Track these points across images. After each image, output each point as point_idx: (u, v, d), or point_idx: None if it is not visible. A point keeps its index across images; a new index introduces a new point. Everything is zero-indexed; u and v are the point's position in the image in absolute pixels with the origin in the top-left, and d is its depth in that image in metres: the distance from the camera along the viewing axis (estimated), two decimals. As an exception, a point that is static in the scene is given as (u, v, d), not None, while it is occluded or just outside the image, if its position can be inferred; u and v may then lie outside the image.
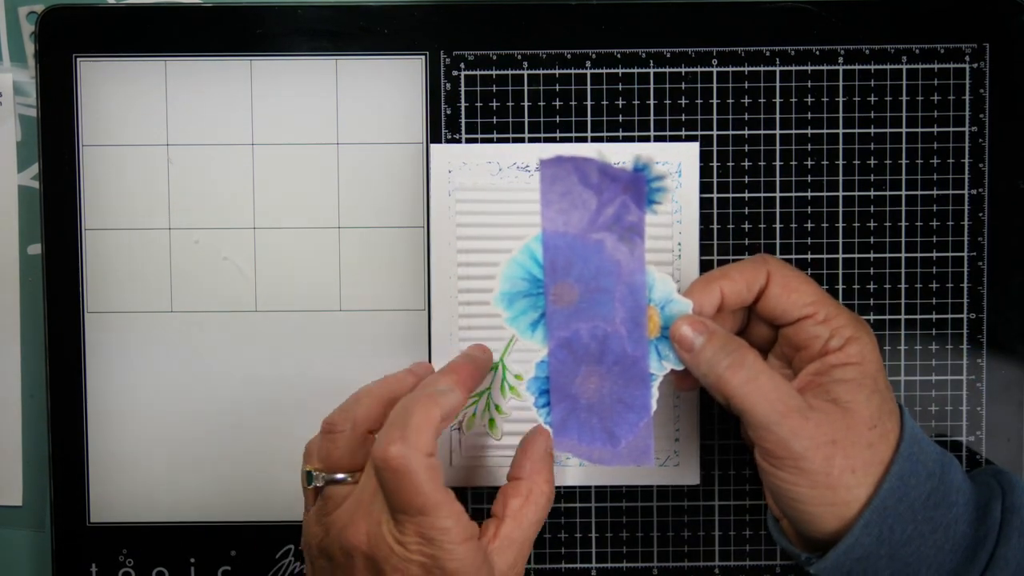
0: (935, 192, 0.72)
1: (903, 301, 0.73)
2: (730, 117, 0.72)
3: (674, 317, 0.62)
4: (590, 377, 0.65)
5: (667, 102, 0.72)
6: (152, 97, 0.73)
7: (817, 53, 0.72)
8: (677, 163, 0.71)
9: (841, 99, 0.72)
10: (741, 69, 0.72)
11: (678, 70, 0.72)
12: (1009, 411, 0.73)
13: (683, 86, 0.72)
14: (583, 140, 0.72)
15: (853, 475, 0.59)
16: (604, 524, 0.74)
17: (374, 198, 0.73)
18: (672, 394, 0.72)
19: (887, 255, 0.73)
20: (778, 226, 0.73)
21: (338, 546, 0.60)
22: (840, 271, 0.73)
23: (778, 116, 0.72)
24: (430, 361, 0.72)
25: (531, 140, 0.72)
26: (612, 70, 0.72)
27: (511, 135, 0.72)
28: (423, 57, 0.72)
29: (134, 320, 0.73)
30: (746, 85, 0.72)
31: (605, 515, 0.74)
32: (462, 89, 0.72)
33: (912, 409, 0.73)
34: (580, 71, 0.72)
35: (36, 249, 0.74)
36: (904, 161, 0.72)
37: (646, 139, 0.72)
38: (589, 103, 0.72)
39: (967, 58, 0.72)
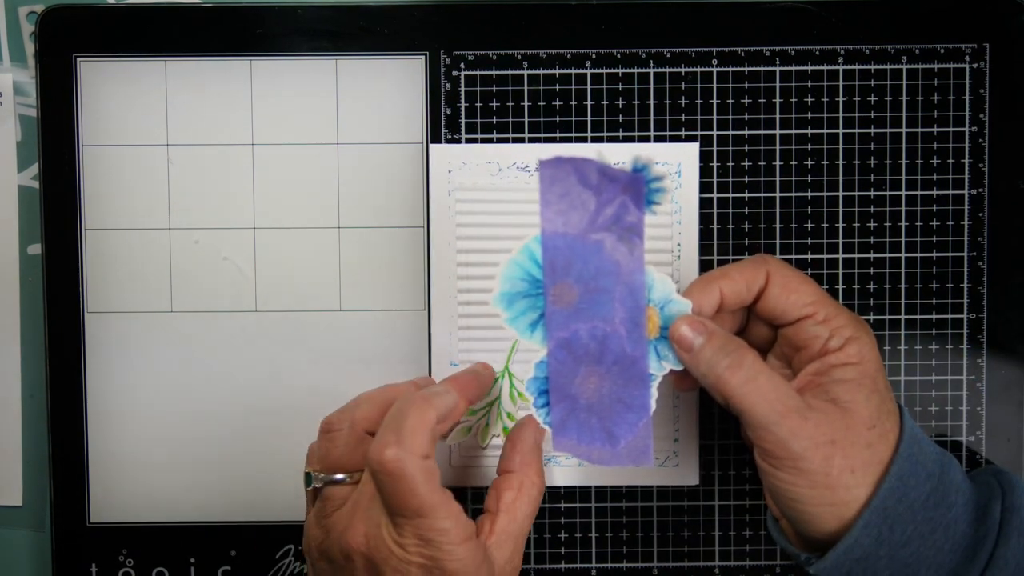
0: (935, 192, 0.72)
1: (903, 301, 0.73)
2: (730, 117, 0.72)
3: (673, 317, 0.62)
4: (589, 377, 0.65)
5: (667, 102, 0.72)
6: (152, 97, 0.73)
7: (817, 53, 0.72)
8: (677, 163, 0.71)
9: (841, 99, 0.72)
10: (741, 69, 0.72)
11: (678, 70, 0.72)
12: (1009, 411, 0.73)
13: (683, 86, 0.72)
14: (583, 140, 0.72)
15: (852, 475, 0.58)
16: (604, 524, 0.74)
17: (374, 198, 0.73)
18: (671, 394, 0.72)
19: (887, 255, 0.73)
20: (778, 226, 0.73)
21: (338, 548, 0.60)
22: (840, 271, 0.73)
23: (778, 116, 0.72)
24: (430, 362, 0.72)
25: (531, 140, 0.72)
26: (612, 70, 0.72)
27: (511, 135, 0.72)
28: (423, 57, 0.72)
29: (134, 320, 0.73)
30: (746, 85, 0.72)
31: (605, 515, 0.74)
32: (462, 89, 0.72)
33: (912, 409, 0.73)
34: (580, 71, 0.72)
35: (36, 249, 0.74)
36: (904, 161, 0.72)
37: (646, 139, 0.72)
38: (589, 103, 0.72)
39: (967, 58, 0.72)
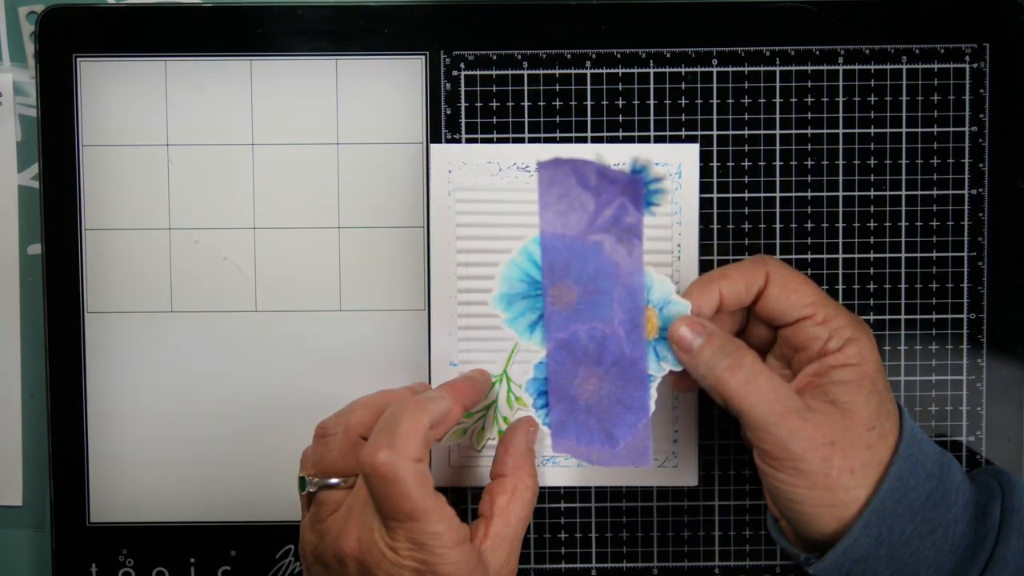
0: (935, 192, 0.72)
1: (903, 301, 0.73)
2: (730, 117, 0.72)
3: (672, 318, 0.62)
4: (588, 378, 0.65)
5: (667, 102, 0.72)
6: (152, 97, 0.73)
7: (817, 53, 0.72)
8: (677, 164, 0.71)
9: (841, 99, 0.72)
10: (741, 69, 0.72)
11: (678, 70, 0.72)
12: (1009, 411, 0.73)
13: (683, 86, 0.72)
14: (583, 140, 0.72)
15: (851, 476, 0.58)
16: (604, 524, 0.74)
17: (374, 198, 0.73)
18: (671, 395, 0.72)
19: (887, 255, 0.73)
20: (778, 226, 0.73)
21: (332, 553, 0.60)
22: (840, 271, 0.73)
23: (778, 116, 0.72)
24: (429, 362, 0.72)
25: (531, 140, 0.72)
26: (612, 70, 0.72)
27: (511, 135, 0.72)
28: (423, 57, 0.72)
29: (134, 320, 0.73)
30: (746, 85, 0.72)
31: (605, 515, 0.74)
32: (462, 89, 0.72)
33: (912, 409, 0.73)
34: (580, 71, 0.72)
35: (36, 249, 0.74)
36: (904, 161, 0.72)
37: (646, 139, 0.72)
38: (589, 103, 0.72)
39: (967, 58, 0.72)
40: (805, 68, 0.72)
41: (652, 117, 0.72)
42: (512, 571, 0.63)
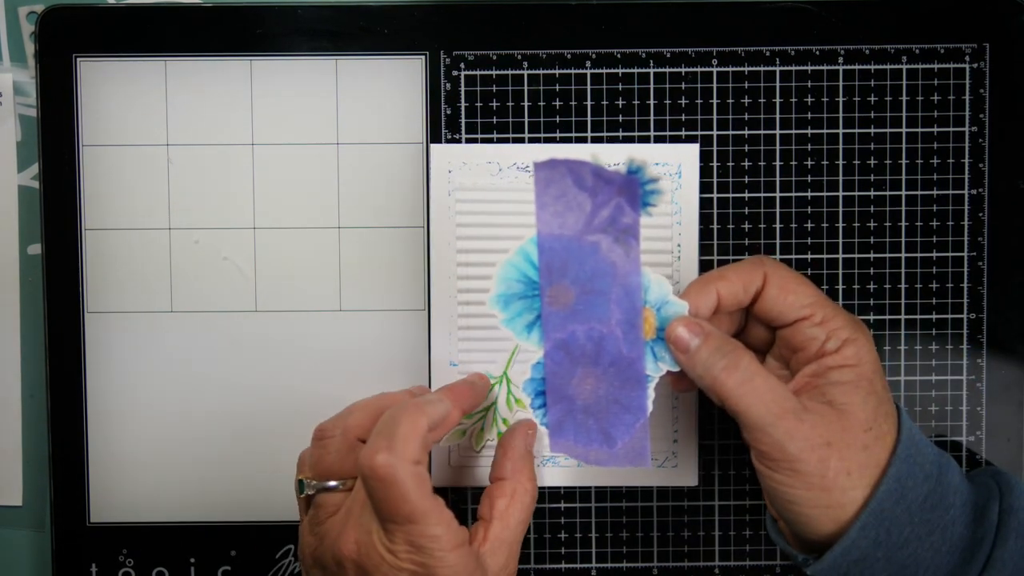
0: (935, 192, 0.72)
1: (903, 301, 0.73)
2: (730, 117, 0.72)
3: (670, 319, 0.62)
4: (586, 379, 0.65)
5: (667, 102, 0.72)
6: (152, 97, 0.73)
7: (817, 53, 0.72)
8: (677, 164, 0.71)
9: (841, 99, 0.72)
10: (741, 69, 0.72)
11: (678, 70, 0.72)
12: (1009, 411, 0.73)
13: (683, 86, 0.72)
14: (583, 140, 0.72)
15: (848, 477, 0.58)
16: (604, 524, 0.74)
17: (374, 198, 0.73)
18: (671, 395, 0.72)
19: (887, 255, 0.73)
20: (778, 226, 0.73)
21: (330, 555, 0.60)
22: (840, 271, 0.73)
23: (778, 116, 0.72)
24: (429, 362, 0.72)
25: (531, 140, 0.72)
26: (612, 70, 0.72)
27: (511, 135, 0.72)
28: (423, 57, 0.72)
29: (134, 320, 0.73)
30: (746, 85, 0.72)
31: (605, 515, 0.74)
32: (462, 89, 0.72)
33: (912, 409, 0.73)
34: (580, 71, 0.72)
35: (36, 249, 0.74)
36: (904, 161, 0.72)
37: (646, 139, 0.72)
38: (589, 103, 0.72)
39: (967, 58, 0.72)
40: (805, 68, 0.72)
41: (652, 117, 0.72)
42: (511, 574, 0.63)
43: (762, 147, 0.72)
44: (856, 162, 0.72)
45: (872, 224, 0.72)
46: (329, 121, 0.73)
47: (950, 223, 0.72)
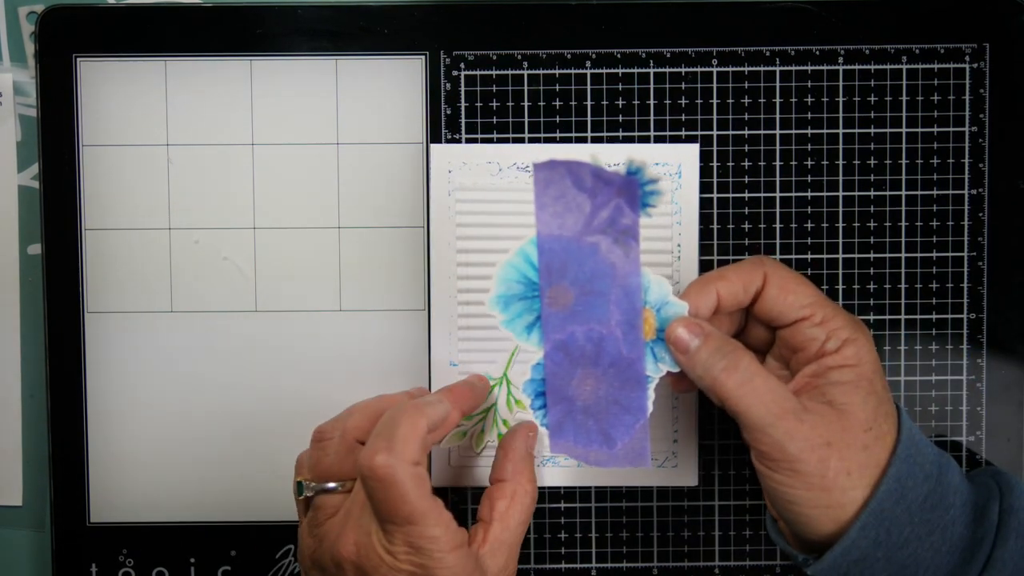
0: (935, 192, 0.72)
1: (903, 301, 0.73)
2: (730, 117, 0.72)
3: (670, 319, 0.62)
4: (586, 379, 0.65)
5: (667, 102, 0.72)
6: (152, 97, 0.73)
7: (817, 53, 0.72)
8: (677, 164, 0.71)
9: (841, 99, 0.72)
10: (741, 69, 0.72)
11: (678, 70, 0.72)
12: (1009, 411, 0.73)
13: (683, 86, 0.72)
14: (583, 140, 0.72)
15: (848, 477, 0.58)
16: (604, 524, 0.74)
17: (374, 198, 0.73)
18: (671, 395, 0.72)
19: (887, 255, 0.73)
20: (778, 226, 0.73)
21: (329, 557, 0.60)
22: (840, 271, 0.73)
23: (778, 116, 0.72)
24: (429, 362, 0.72)
25: (531, 140, 0.72)
26: (612, 70, 0.72)
27: (511, 135, 0.72)
28: (423, 57, 0.72)
29: (134, 320, 0.73)
30: (746, 85, 0.72)
31: (605, 515, 0.74)
32: (462, 89, 0.72)
33: (912, 409, 0.73)
34: (580, 71, 0.72)
35: (36, 249, 0.74)
36: (904, 161, 0.72)
37: (646, 139, 0.72)
38: (589, 103, 0.72)
39: (967, 58, 0.72)
40: (805, 68, 0.72)
41: (652, 117, 0.72)
42: (511, 575, 0.63)
43: (762, 147, 0.72)
44: (856, 162, 0.72)
45: (872, 224, 0.72)
46: (329, 121, 0.73)
47: (950, 223, 0.72)
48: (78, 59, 0.72)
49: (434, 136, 0.72)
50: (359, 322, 0.73)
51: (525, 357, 0.66)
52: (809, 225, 0.72)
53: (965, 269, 0.72)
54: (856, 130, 0.72)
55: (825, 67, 0.72)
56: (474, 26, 0.72)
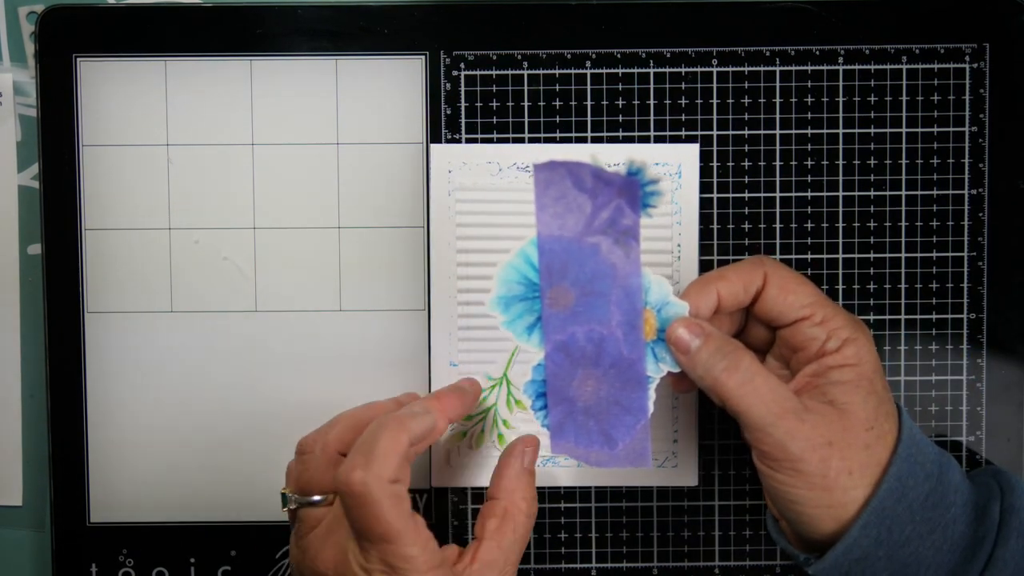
0: (935, 192, 0.72)
1: (903, 301, 0.73)
2: (730, 117, 0.72)
3: (670, 320, 0.62)
4: (587, 380, 0.65)
5: (667, 102, 0.72)
6: (152, 97, 0.73)
7: (817, 53, 0.72)
8: (677, 164, 0.71)
9: (841, 99, 0.72)
10: (741, 69, 0.72)
11: (678, 70, 0.72)
12: (1009, 411, 0.73)
13: (683, 86, 0.72)
14: (583, 140, 0.72)
15: (850, 477, 0.58)
16: (604, 524, 0.74)
17: (374, 198, 0.73)
18: (671, 395, 0.72)
19: (887, 255, 0.73)
20: (778, 226, 0.73)
21: (311, 570, 0.60)
22: (840, 271, 0.73)
23: (778, 116, 0.72)
24: (429, 363, 0.72)
25: (531, 140, 0.72)
26: (612, 70, 0.72)
27: (511, 135, 0.72)
28: (423, 57, 0.72)
29: (134, 320, 0.73)
30: (746, 85, 0.72)
31: (605, 515, 0.74)
32: (462, 89, 0.72)
33: (912, 409, 0.73)
34: (580, 71, 0.72)
35: (36, 249, 0.74)
36: (904, 161, 0.72)
37: (646, 139, 0.72)
38: (589, 103, 0.72)
39: (967, 58, 0.72)
40: (805, 68, 0.72)
41: (652, 117, 0.72)
42: None
43: (762, 147, 0.72)
44: (856, 162, 0.72)
45: (872, 224, 0.72)
46: (329, 121, 0.73)
47: (950, 223, 0.72)
48: (78, 59, 0.72)
49: (434, 136, 0.72)
50: (359, 322, 0.73)
51: (525, 357, 0.66)
52: (809, 225, 0.72)
53: (965, 269, 0.72)
54: (856, 130, 0.72)
55: (825, 67, 0.72)
56: (474, 26, 0.72)
